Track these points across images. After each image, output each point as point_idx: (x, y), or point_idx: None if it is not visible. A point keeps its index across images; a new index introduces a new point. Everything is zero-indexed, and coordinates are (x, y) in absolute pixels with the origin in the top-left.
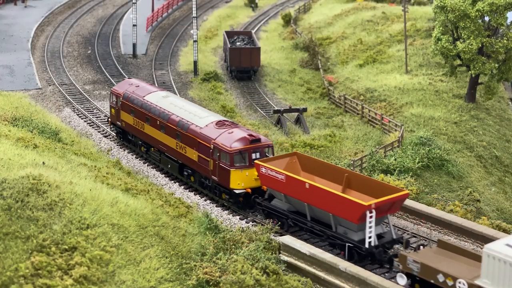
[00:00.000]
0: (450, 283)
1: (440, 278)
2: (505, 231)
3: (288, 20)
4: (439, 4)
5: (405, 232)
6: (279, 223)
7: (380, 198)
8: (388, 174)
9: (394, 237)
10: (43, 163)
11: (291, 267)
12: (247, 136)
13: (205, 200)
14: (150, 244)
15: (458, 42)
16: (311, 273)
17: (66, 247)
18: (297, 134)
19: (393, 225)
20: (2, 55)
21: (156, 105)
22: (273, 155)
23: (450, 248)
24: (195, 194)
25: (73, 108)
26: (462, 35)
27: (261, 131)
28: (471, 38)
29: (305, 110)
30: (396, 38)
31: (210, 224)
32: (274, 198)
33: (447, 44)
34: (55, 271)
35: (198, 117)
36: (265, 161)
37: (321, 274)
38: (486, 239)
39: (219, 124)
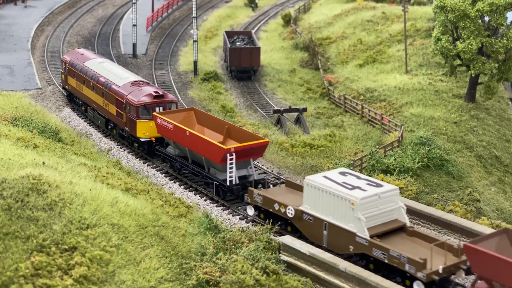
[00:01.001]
0: (282, 210)
1: (276, 206)
2: None
3: (288, 20)
4: (439, 4)
5: (268, 175)
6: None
7: (241, 144)
8: (388, 174)
9: (256, 178)
10: (43, 163)
11: (291, 267)
12: (152, 93)
13: (205, 200)
14: (150, 244)
15: (458, 42)
16: (311, 273)
17: (66, 247)
18: (297, 134)
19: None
20: (2, 55)
21: (92, 69)
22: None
23: (294, 186)
24: (195, 194)
25: (73, 108)
26: (462, 35)
27: (261, 131)
28: (471, 38)
29: (305, 110)
30: (396, 38)
31: (210, 224)
32: (168, 145)
33: (447, 44)
34: (55, 271)
35: (120, 78)
36: (162, 113)
37: (321, 274)
38: None
39: (134, 83)
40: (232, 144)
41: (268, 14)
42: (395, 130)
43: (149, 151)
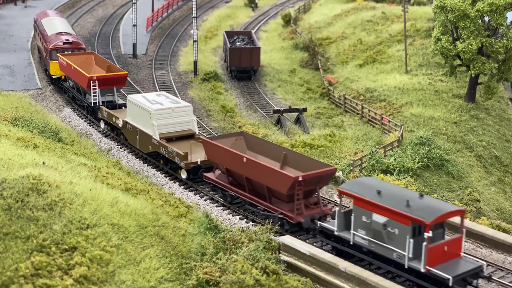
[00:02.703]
0: (116, 121)
1: (113, 119)
2: (504, 231)
3: (288, 20)
4: (439, 4)
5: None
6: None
7: (102, 74)
8: (388, 174)
9: (118, 102)
10: (43, 163)
11: (291, 267)
12: (64, 40)
13: (205, 200)
14: (150, 244)
15: (458, 42)
16: (311, 273)
17: (66, 247)
18: (297, 134)
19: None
20: (2, 55)
21: (43, 24)
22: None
23: None
24: (195, 194)
25: (73, 108)
26: (462, 35)
27: (261, 131)
28: (471, 38)
29: (305, 110)
30: (396, 38)
31: (210, 224)
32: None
33: (447, 44)
34: (55, 271)
35: (53, 30)
36: (63, 55)
37: (321, 274)
38: (485, 239)
39: (58, 34)
40: None
41: (268, 14)
42: (395, 130)
43: (59, 87)
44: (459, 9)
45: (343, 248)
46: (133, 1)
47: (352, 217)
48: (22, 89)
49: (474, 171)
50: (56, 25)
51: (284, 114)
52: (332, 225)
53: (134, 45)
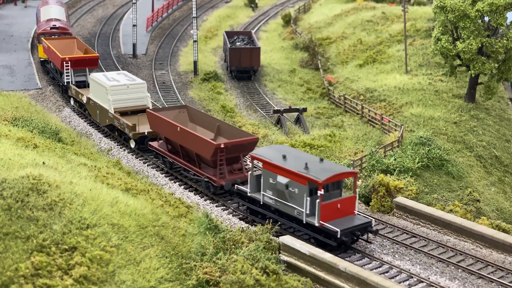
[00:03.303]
0: (81, 98)
1: (79, 96)
2: (504, 231)
3: (288, 20)
4: (439, 4)
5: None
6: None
7: (74, 55)
8: (388, 174)
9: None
10: (43, 163)
11: (291, 267)
12: (51, 25)
13: (205, 200)
14: (150, 244)
15: (458, 42)
16: (311, 273)
17: (66, 247)
18: (297, 134)
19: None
20: (2, 55)
21: (41, 11)
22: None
23: None
24: (195, 194)
25: (73, 108)
26: (462, 35)
27: (261, 131)
28: (471, 38)
29: (305, 110)
30: (396, 38)
31: (210, 224)
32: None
33: (447, 44)
34: (55, 271)
35: (45, 16)
36: (47, 39)
37: (321, 274)
38: (485, 239)
39: (48, 20)
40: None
41: (268, 14)
42: (395, 130)
43: (44, 70)
44: (459, 9)
45: (254, 208)
46: (133, 1)
47: (262, 179)
48: (22, 89)
49: (474, 171)
50: (50, 12)
51: (284, 114)
52: (246, 187)
53: (134, 45)
